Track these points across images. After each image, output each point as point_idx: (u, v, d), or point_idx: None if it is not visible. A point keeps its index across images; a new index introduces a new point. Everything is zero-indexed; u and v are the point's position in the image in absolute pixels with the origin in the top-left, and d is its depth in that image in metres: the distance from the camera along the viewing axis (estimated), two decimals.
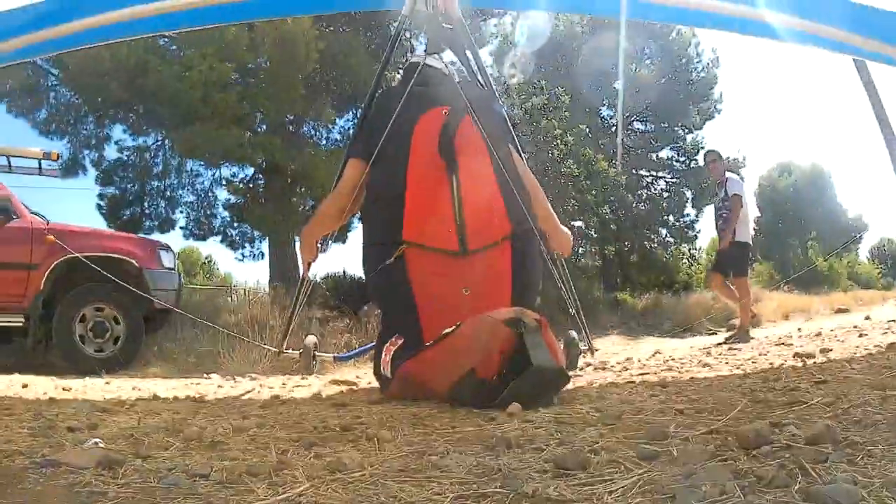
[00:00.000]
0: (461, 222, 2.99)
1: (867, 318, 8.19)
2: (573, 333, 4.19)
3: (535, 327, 2.35)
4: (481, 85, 3.83)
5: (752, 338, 6.46)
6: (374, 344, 5.06)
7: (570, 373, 3.93)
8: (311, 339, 4.37)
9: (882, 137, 3.70)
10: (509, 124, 3.65)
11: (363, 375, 4.56)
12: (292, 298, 4.80)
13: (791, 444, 1.46)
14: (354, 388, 3.99)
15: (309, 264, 3.83)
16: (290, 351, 4.68)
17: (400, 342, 2.99)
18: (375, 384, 3.78)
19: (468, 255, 2.99)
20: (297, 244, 3.91)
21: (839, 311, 16.98)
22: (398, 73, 4.33)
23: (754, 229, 33.88)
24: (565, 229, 3.62)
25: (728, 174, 7.29)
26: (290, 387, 4.14)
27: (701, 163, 18.44)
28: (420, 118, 3.16)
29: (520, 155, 3.49)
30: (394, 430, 2.08)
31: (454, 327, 2.61)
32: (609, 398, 2.58)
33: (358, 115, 5.04)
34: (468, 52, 3.98)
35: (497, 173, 3.12)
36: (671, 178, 18.80)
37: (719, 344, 6.14)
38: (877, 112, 3.74)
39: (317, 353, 4.34)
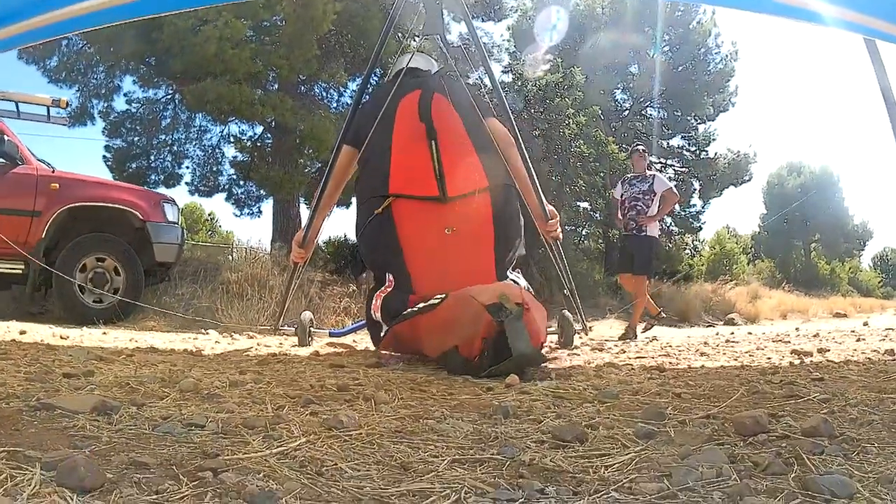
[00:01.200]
0: (440, 174, 3.30)
1: (865, 324, 8.19)
2: (568, 313, 4.44)
3: (517, 314, 2.52)
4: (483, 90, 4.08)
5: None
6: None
7: (567, 350, 4.02)
8: (306, 315, 4.44)
9: (888, 115, 3.67)
10: (490, 107, 3.89)
11: (360, 340, 4.57)
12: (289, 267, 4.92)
13: (788, 435, 1.46)
14: (351, 350, 4.00)
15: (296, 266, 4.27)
16: (285, 326, 4.70)
17: (390, 289, 3.24)
18: (372, 347, 3.81)
19: (448, 201, 3.29)
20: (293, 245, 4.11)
21: (837, 315, 17.05)
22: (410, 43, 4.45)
23: (759, 226, 33.68)
24: (550, 207, 3.85)
25: (654, 172, 7.39)
26: (287, 346, 4.16)
27: (711, 154, 18.44)
28: (402, 99, 3.53)
29: (518, 146, 3.71)
30: (391, 392, 2.09)
31: (442, 297, 2.82)
32: (607, 377, 2.59)
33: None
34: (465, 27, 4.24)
35: (473, 138, 3.46)
36: (680, 166, 18.68)
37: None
38: (882, 88, 3.72)
39: (312, 329, 4.39)
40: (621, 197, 7.08)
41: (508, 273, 3.37)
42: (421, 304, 2.94)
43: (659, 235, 7.40)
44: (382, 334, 3.30)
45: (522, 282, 3.41)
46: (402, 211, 3.30)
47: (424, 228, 3.27)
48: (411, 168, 3.34)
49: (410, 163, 3.35)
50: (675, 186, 7.93)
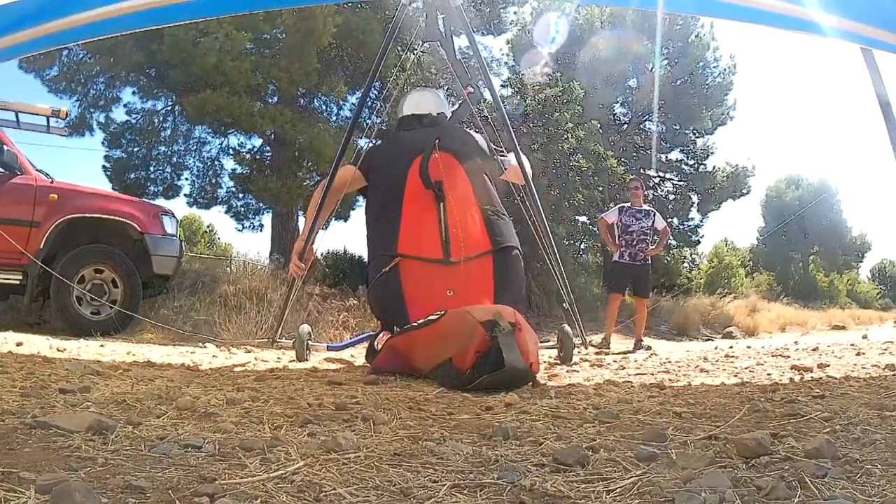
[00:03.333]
0: (446, 238, 3.54)
1: (864, 336, 8.17)
2: (567, 328, 4.43)
3: (510, 331, 2.66)
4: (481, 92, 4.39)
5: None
6: (367, 334, 5.33)
7: (566, 367, 4.01)
8: (304, 329, 4.42)
9: (885, 124, 3.68)
10: (488, 145, 4.16)
11: (357, 355, 4.55)
12: (288, 278, 4.91)
13: (791, 457, 1.45)
14: (349, 366, 3.98)
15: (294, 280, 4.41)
16: (283, 340, 4.69)
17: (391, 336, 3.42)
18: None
19: (452, 264, 3.52)
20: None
21: (836, 327, 17.04)
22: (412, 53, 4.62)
23: (757, 238, 33.82)
24: (524, 158, 4.21)
25: (650, 208, 8.18)
26: (284, 361, 4.14)
27: (710, 168, 18.47)
28: (413, 160, 3.72)
29: (519, 160, 4.06)
30: (389, 412, 2.07)
31: (440, 314, 3.00)
32: (607, 396, 2.57)
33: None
34: (468, 37, 4.39)
35: (479, 201, 3.71)
36: (678, 180, 18.69)
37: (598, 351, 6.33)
38: (880, 98, 3.73)
39: (310, 343, 4.38)
40: (628, 227, 7.78)
41: None
42: (420, 321, 3.09)
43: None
44: (379, 347, 3.48)
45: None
46: (407, 271, 3.53)
47: (427, 289, 3.47)
48: (419, 231, 3.58)
49: (419, 224, 3.58)
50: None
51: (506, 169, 4.17)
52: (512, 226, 3.85)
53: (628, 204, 7.96)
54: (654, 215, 7.97)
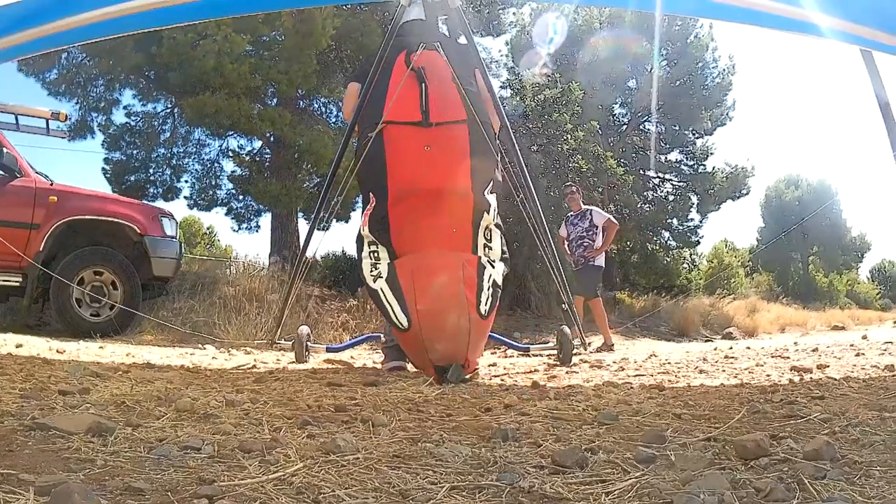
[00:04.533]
0: (426, 107, 3.81)
1: (864, 337, 8.16)
2: (566, 329, 4.49)
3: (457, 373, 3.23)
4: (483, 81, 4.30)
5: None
6: (365, 336, 5.32)
7: (565, 368, 4.01)
8: (303, 330, 4.43)
9: (884, 125, 3.69)
10: (479, 57, 4.45)
11: (356, 357, 4.55)
12: (290, 275, 4.89)
13: (789, 458, 1.45)
14: (349, 367, 3.98)
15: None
16: (282, 341, 4.71)
17: (373, 206, 3.78)
18: (369, 364, 3.80)
19: (430, 126, 3.78)
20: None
21: (835, 327, 17.01)
22: None
23: (757, 239, 33.80)
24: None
25: (589, 207, 8.10)
26: (284, 363, 4.14)
27: (709, 168, 18.47)
28: (400, 53, 4.01)
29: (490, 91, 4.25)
30: (388, 413, 2.07)
31: (407, 324, 3.42)
32: (606, 397, 2.57)
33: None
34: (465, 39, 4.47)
35: (456, 83, 3.90)
36: (678, 181, 18.67)
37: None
38: (879, 99, 3.74)
39: (309, 344, 4.39)
40: (568, 236, 7.86)
41: (486, 194, 3.80)
42: (397, 321, 3.46)
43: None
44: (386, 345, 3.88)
45: (497, 248, 3.85)
46: (390, 134, 3.80)
47: (406, 145, 3.79)
48: (402, 101, 3.83)
49: (402, 98, 3.84)
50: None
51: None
52: (489, 107, 4.11)
53: (571, 213, 8.01)
54: (591, 214, 7.85)
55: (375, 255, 3.73)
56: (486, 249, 3.78)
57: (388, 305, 3.49)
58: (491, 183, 3.87)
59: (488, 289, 3.52)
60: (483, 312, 3.43)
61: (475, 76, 4.13)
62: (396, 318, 3.43)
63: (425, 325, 3.36)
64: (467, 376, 3.34)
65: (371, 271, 3.69)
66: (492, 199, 3.85)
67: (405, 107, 3.83)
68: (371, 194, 3.82)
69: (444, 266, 3.57)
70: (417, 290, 3.44)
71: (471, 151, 3.80)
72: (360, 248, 3.84)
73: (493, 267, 3.68)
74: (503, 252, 3.91)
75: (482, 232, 3.78)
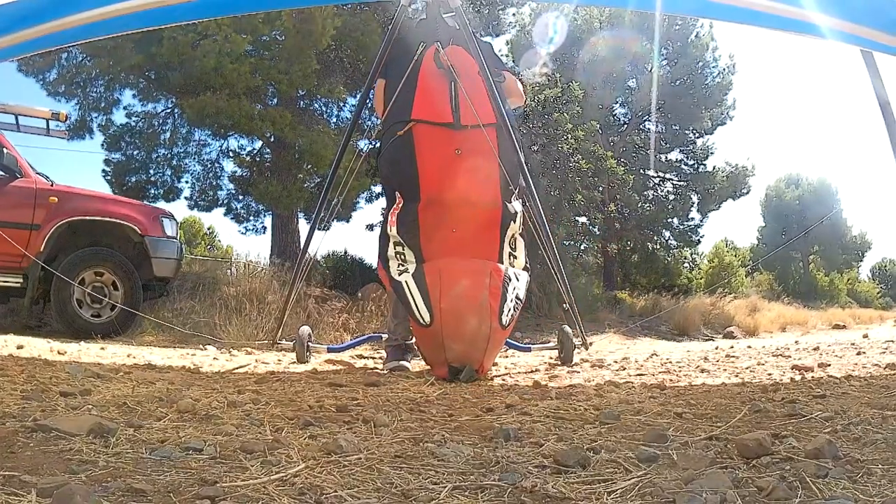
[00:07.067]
0: (456, 106, 3.81)
1: (865, 336, 8.16)
2: (567, 329, 4.47)
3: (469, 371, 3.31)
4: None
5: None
6: (366, 336, 5.33)
7: (567, 367, 4.01)
8: (304, 330, 4.42)
9: (885, 125, 3.69)
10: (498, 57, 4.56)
11: (358, 357, 4.55)
12: (291, 275, 4.89)
13: (791, 457, 1.45)
14: (350, 367, 3.98)
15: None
16: (283, 342, 4.72)
17: (401, 205, 3.79)
18: (371, 365, 3.81)
19: (461, 129, 3.78)
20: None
21: (836, 326, 17.01)
22: None
23: (757, 238, 33.75)
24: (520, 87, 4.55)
25: None
26: (285, 364, 4.14)
27: (710, 168, 18.47)
28: (430, 48, 4.01)
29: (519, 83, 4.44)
30: (390, 414, 2.07)
31: (429, 320, 3.44)
32: (608, 397, 2.57)
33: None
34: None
35: (486, 83, 3.91)
36: (678, 180, 18.68)
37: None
38: (879, 99, 3.74)
39: (311, 345, 4.38)
40: None
41: (513, 201, 3.85)
42: (420, 317, 3.47)
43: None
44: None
45: (521, 257, 3.90)
46: (420, 133, 3.79)
47: (437, 148, 3.77)
48: (432, 100, 3.85)
49: (431, 97, 3.86)
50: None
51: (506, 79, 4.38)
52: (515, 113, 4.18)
53: None
54: None
55: (402, 256, 3.74)
56: (511, 258, 3.81)
57: (411, 299, 3.51)
58: (517, 190, 3.90)
59: (511, 300, 3.54)
60: (504, 323, 3.45)
61: (502, 73, 4.20)
62: (419, 312, 3.45)
63: (447, 323, 3.38)
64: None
65: (398, 267, 3.71)
66: (517, 205, 3.89)
67: (435, 106, 3.84)
68: (398, 193, 3.83)
69: (472, 272, 3.58)
70: (443, 289, 3.46)
71: (500, 157, 3.81)
72: (384, 245, 3.84)
73: (518, 280, 3.70)
74: (526, 262, 3.94)
75: (508, 241, 3.80)
